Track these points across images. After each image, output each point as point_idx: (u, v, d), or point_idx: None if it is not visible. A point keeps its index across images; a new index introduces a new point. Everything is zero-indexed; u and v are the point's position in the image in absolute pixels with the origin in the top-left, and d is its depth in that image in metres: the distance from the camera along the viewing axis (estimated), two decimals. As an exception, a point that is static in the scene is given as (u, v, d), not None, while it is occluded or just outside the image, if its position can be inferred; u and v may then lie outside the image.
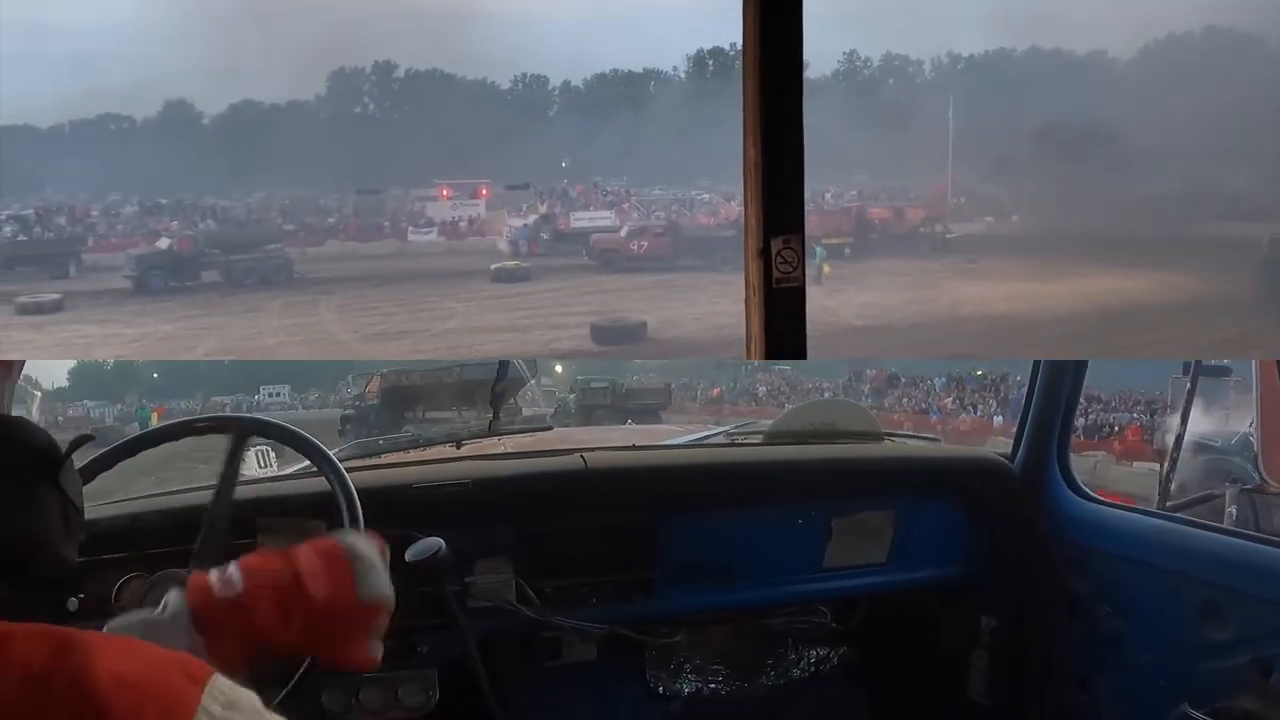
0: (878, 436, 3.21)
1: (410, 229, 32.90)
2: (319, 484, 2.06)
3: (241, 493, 1.97)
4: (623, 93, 49.71)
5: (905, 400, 30.22)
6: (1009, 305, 19.02)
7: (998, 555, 3.04)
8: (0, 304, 20.82)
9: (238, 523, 1.96)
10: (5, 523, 1.16)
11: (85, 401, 40.37)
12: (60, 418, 35.44)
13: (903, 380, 31.73)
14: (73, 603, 1.89)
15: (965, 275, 22.57)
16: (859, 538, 2.93)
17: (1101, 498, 2.99)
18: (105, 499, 2.36)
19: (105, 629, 1.37)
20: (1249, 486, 3.15)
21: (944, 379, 29.81)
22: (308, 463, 2.13)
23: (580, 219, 31.38)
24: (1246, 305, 18.02)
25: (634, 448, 3.04)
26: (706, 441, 3.49)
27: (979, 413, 25.83)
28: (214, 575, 1.41)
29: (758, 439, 3.36)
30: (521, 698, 2.79)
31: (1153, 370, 18.03)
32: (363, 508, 1.94)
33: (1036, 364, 3.04)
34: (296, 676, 1.69)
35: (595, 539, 2.65)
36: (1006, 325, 17.44)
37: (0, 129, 38.98)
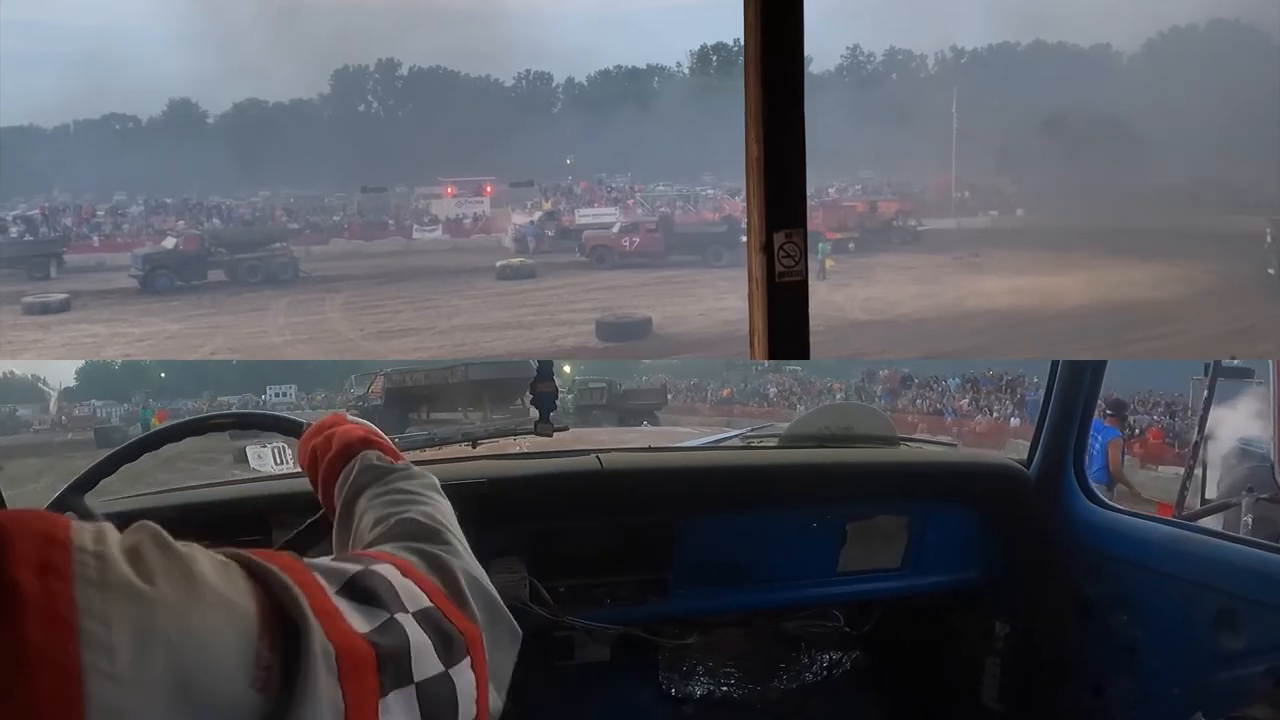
0: (894, 441, 3.19)
1: (415, 227, 32.99)
2: None
3: (255, 489, 1.95)
4: (627, 89, 49.64)
5: (919, 401, 29.91)
6: (1015, 299, 18.97)
7: (1013, 561, 3.04)
8: (0, 304, 20.88)
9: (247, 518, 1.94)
10: None
11: (93, 401, 40.47)
12: (65, 418, 35.62)
13: (916, 381, 31.48)
14: None
15: (970, 269, 22.53)
16: (874, 542, 2.92)
17: (1116, 505, 2.97)
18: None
19: None
20: (1265, 495, 3.12)
21: (958, 380, 29.56)
22: None
23: (585, 215, 31.40)
24: (1256, 298, 17.98)
25: (650, 449, 3.03)
26: (722, 444, 3.48)
27: (995, 414, 25.66)
28: None
29: (773, 442, 3.35)
30: (534, 697, 2.78)
31: (1171, 369, 17.95)
32: None
33: (1054, 367, 3.02)
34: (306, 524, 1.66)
35: (610, 540, 2.64)
36: (1014, 319, 17.38)
37: (6, 129, 39.14)
